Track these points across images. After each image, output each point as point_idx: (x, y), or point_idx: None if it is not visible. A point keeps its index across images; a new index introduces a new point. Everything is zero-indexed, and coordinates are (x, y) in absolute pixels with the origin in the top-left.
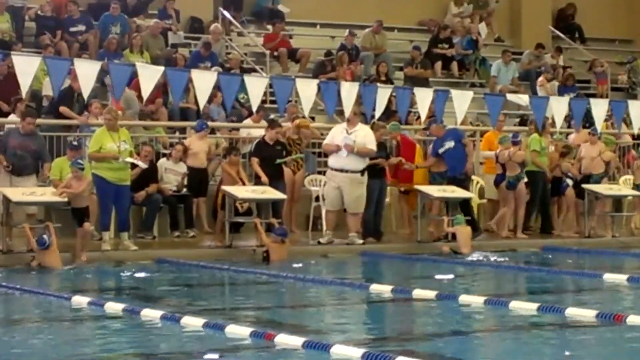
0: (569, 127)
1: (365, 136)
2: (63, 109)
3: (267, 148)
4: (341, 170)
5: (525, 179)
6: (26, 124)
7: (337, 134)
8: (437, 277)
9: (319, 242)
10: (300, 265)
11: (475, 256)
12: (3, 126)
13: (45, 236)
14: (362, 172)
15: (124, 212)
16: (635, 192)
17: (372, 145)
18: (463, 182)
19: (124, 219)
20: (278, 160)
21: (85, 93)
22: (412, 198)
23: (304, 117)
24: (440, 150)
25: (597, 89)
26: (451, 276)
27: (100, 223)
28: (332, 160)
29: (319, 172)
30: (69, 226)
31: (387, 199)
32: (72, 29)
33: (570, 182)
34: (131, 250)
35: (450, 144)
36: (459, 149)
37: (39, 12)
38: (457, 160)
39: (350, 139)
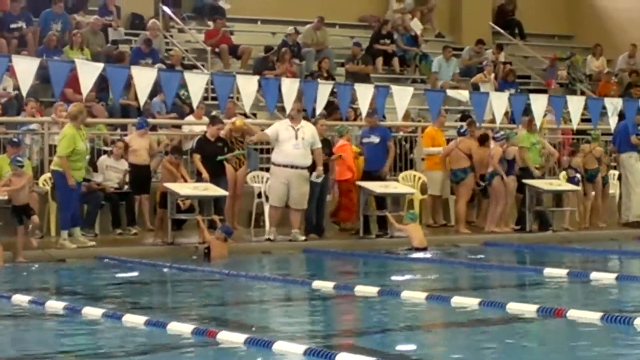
0: (510, 122)
1: (312, 134)
2: None
3: (209, 145)
4: (291, 167)
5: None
6: None
7: (281, 130)
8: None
9: (268, 239)
10: (243, 262)
11: (420, 253)
12: None
13: None
14: (309, 168)
15: (78, 208)
16: (575, 187)
17: (318, 143)
18: (378, 180)
19: (78, 214)
20: (219, 157)
21: (24, 90)
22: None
23: (243, 114)
24: (364, 141)
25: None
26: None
27: (63, 222)
28: (279, 157)
29: (261, 169)
30: (8, 225)
31: (329, 196)
32: (12, 25)
33: (579, 177)
34: (88, 245)
35: (375, 139)
36: (381, 147)
37: None
38: (376, 157)
39: (301, 141)
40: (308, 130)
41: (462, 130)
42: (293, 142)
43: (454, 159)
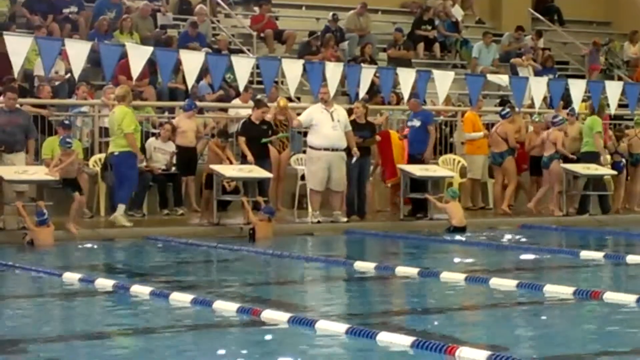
0: (549, 107)
1: (345, 117)
2: None
3: (253, 127)
4: (331, 149)
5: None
6: (7, 99)
7: (316, 114)
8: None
9: (312, 222)
10: (287, 243)
11: (459, 234)
12: None
13: (45, 211)
14: (361, 150)
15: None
16: (611, 172)
17: (349, 126)
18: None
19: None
20: (263, 140)
21: (76, 73)
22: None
23: (288, 97)
24: (408, 124)
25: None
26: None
27: (122, 198)
28: (318, 140)
29: (304, 152)
30: (60, 204)
31: (371, 178)
32: (65, 10)
33: (624, 161)
34: (127, 226)
35: (417, 123)
36: (422, 130)
37: None
38: (417, 141)
39: (337, 124)
40: (341, 112)
41: (503, 113)
42: (330, 124)
43: (493, 142)
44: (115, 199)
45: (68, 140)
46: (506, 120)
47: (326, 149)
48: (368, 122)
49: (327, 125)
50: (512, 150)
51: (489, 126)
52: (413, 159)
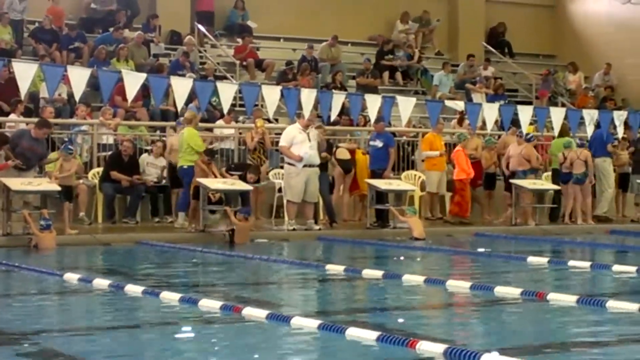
0: (500, 129)
1: (317, 135)
2: None
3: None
4: (309, 166)
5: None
6: (42, 133)
7: (296, 135)
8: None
9: (288, 230)
10: (264, 248)
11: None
12: (3, 124)
13: (49, 218)
14: (319, 166)
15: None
16: (554, 186)
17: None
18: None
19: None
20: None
21: (77, 96)
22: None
23: (267, 119)
24: (370, 143)
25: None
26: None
27: (182, 205)
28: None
29: (281, 167)
30: (61, 212)
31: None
32: (70, 47)
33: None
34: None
35: (379, 143)
36: (384, 151)
37: (37, 26)
38: (379, 159)
39: (313, 148)
40: (314, 133)
41: (528, 137)
42: (307, 144)
43: (519, 162)
44: (179, 206)
45: (70, 147)
46: (530, 143)
47: (304, 166)
48: (327, 142)
49: (304, 145)
50: (535, 171)
51: (449, 146)
52: (374, 174)
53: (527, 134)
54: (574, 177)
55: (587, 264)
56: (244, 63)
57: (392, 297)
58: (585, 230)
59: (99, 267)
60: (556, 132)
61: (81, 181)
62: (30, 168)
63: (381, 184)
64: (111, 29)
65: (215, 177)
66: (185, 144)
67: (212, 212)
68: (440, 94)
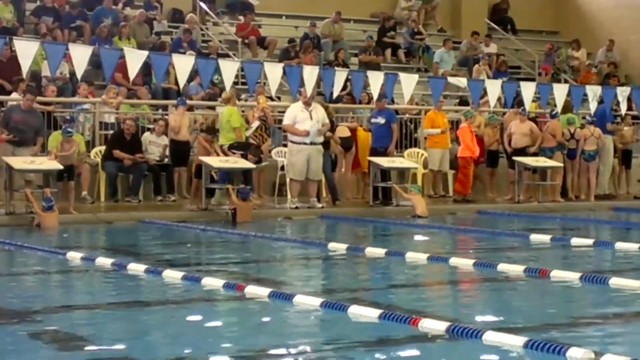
0: (503, 107)
1: (322, 114)
2: None
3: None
4: (310, 143)
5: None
6: (26, 100)
7: (298, 113)
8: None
9: (291, 208)
10: (267, 226)
11: (422, 221)
12: (6, 102)
13: (51, 197)
14: (322, 144)
15: None
16: (558, 164)
17: (327, 120)
18: (383, 156)
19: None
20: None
21: (79, 74)
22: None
23: (269, 97)
24: (372, 121)
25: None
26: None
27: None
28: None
29: (284, 145)
30: (64, 192)
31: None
32: (72, 25)
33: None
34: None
35: (381, 120)
36: (386, 128)
37: (39, 4)
38: (381, 136)
39: (316, 123)
40: (319, 110)
41: (553, 113)
42: (309, 122)
43: (545, 138)
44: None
45: (69, 129)
46: (555, 119)
47: (305, 144)
48: (330, 121)
49: (306, 123)
50: (561, 146)
51: (453, 123)
52: (376, 152)
53: (552, 110)
54: (585, 154)
55: (590, 241)
56: (246, 41)
57: (394, 275)
58: (589, 208)
59: (101, 246)
60: (559, 108)
61: (84, 161)
62: (27, 142)
63: (384, 161)
64: (105, 2)
65: (218, 155)
66: (225, 122)
67: (213, 191)
68: (442, 71)
